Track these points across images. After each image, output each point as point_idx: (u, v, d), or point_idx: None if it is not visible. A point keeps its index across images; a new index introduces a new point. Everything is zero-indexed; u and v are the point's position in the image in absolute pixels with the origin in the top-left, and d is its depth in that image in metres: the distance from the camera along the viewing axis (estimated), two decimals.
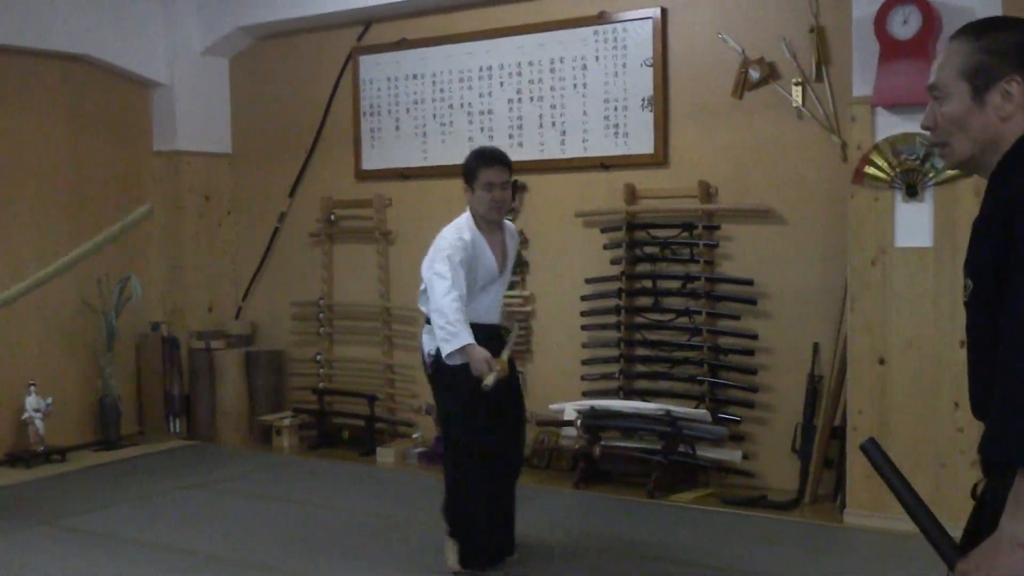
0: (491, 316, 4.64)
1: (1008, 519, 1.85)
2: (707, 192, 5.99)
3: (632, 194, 6.22)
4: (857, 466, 5.20)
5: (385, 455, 6.79)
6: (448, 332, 4.23)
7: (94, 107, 7.40)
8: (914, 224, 5.03)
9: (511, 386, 4.54)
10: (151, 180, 7.74)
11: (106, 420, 7.23)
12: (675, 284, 6.08)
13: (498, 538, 4.60)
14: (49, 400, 6.71)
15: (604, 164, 6.29)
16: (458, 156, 6.74)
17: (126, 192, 7.57)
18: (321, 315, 7.47)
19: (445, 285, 4.27)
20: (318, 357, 7.46)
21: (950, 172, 4.89)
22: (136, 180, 7.67)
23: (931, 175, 4.95)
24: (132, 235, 7.51)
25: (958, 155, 2.07)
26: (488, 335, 4.46)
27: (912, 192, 5.00)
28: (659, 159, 6.16)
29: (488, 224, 4.56)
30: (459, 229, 4.47)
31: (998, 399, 1.84)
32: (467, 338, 4.21)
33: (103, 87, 7.43)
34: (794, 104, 5.70)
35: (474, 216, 4.54)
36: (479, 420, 4.41)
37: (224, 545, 5.11)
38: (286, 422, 7.31)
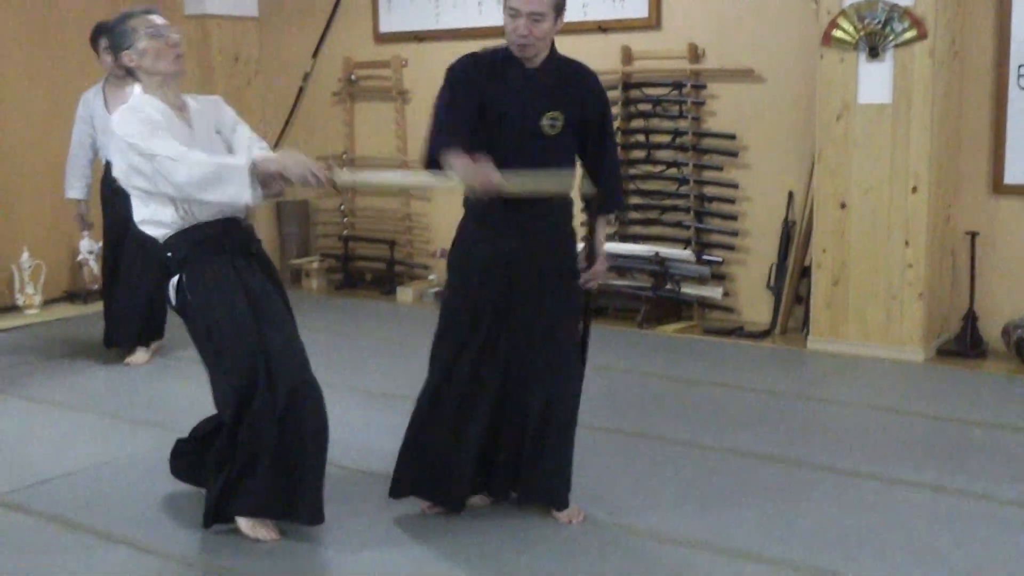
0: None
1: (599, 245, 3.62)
2: (695, 53, 6.54)
3: (628, 56, 6.77)
4: (820, 299, 5.89)
5: (404, 294, 7.54)
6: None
7: None
8: (875, 82, 5.59)
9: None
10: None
11: None
12: (665, 138, 6.67)
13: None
14: (100, 243, 7.41)
15: (602, 27, 6.82)
16: (468, 20, 7.35)
17: None
18: (345, 168, 8.11)
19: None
20: (342, 207, 8.14)
21: (908, 35, 5.44)
22: None
23: (891, 38, 5.50)
24: None
25: (539, 57, 3.41)
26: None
27: (874, 53, 5.55)
28: (652, 23, 6.69)
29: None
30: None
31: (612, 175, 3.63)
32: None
33: None
34: None
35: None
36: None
37: None
38: (314, 265, 8.04)
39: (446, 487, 3.65)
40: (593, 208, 3.69)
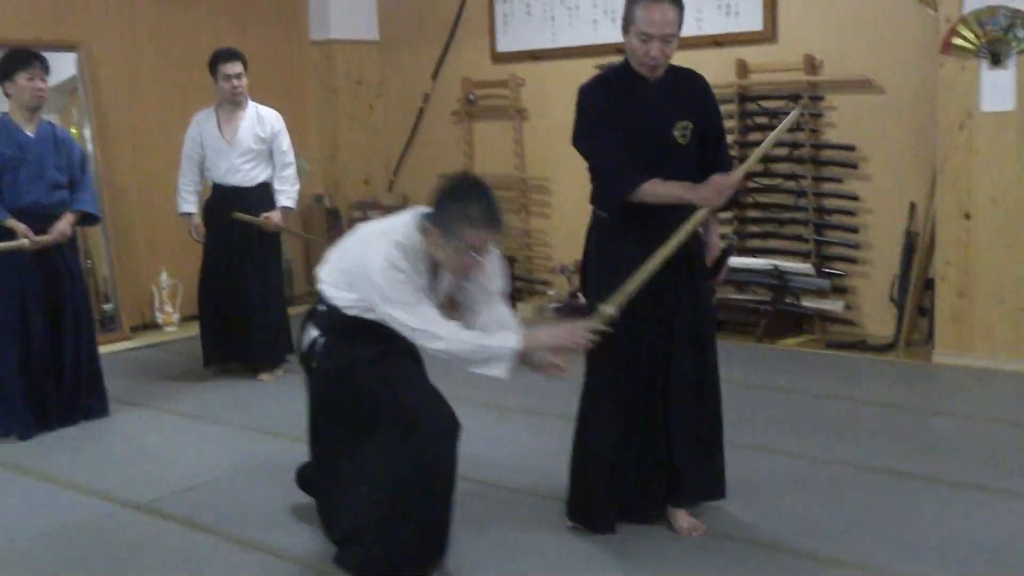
0: None
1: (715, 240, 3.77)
2: (812, 65, 6.52)
3: (743, 68, 6.77)
4: (945, 312, 5.80)
5: (524, 310, 7.65)
6: None
7: (255, 3, 8.24)
8: (998, 90, 5.50)
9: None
10: (308, 67, 8.61)
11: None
12: (783, 151, 6.65)
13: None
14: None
15: (717, 41, 6.85)
16: (582, 38, 7.46)
17: (288, 78, 8.46)
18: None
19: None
20: None
21: None
22: (295, 68, 8.55)
23: (1014, 45, 5.40)
24: (293, 117, 8.42)
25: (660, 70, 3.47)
26: None
27: (996, 60, 5.46)
28: (768, 35, 6.69)
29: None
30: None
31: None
32: None
33: None
34: None
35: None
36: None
37: None
38: None
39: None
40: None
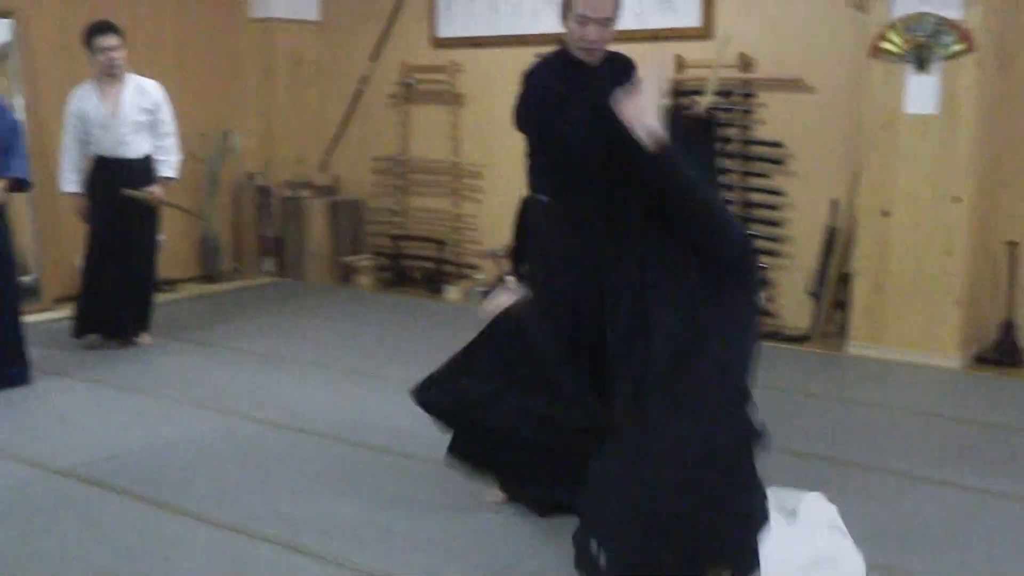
0: None
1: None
2: (746, 63, 6.67)
3: (680, 63, 6.91)
4: (860, 306, 5.99)
5: (452, 292, 7.73)
6: None
7: None
8: (922, 94, 5.69)
9: None
10: (247, 45, 8.57)
11: (208, 257, 8.24)
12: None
13: None
14: (163, 236, 7.67)
15: (655, 36, 6.97)
16: (524, 27, 7.53)
17: (224, 56, 8.42)
18: (398, 169, 8.33)
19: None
20: (394, 206, 8.35)
21: (956, 48, 5.54)
22: (233, 45, 8.51)
23: (938, 51, 5.59)
24: (229, 94, 8.42)
25: (598, 56, 3.54)
26: None
27: (921, 65, 5.65)
28: (704, 32, 6.83)
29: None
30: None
31: None
32: None
33: None
34: None
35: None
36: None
37: (309, 353, 6.13)
38: (365, 263, 8.26)
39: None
40: None
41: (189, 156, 7.96)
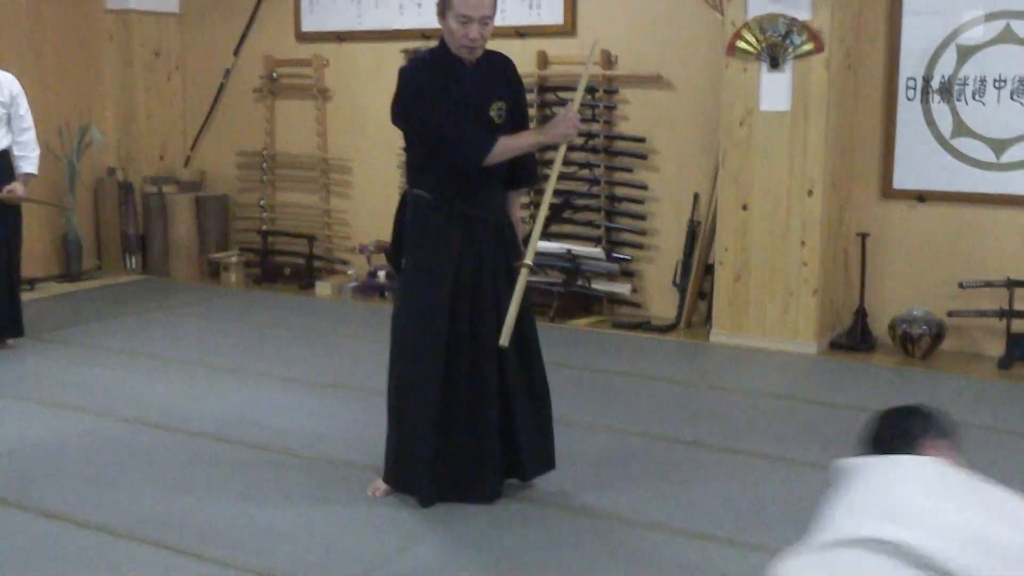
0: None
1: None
2: (608, 60, 6.84)
3: (544, 60, 7.04)
4: (722, 296, 6.23)
5: (323, 288, 7.71)
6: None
7: None
8: (775, 91, 5.94)
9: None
10: (104, 37, 8.36)
11: (69, 255, 8.03)
12: (579, 140, 6.94)
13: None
14: None
15: (520, 32, 7.09)
16: (389, 22, 7.56)
17: (81, 48, 8.21)
18: (264, 164, 8.25)
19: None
20: (261, 202, 8.27)
21: (806, 48, 5.80)
22: (90, 37, 8.29)
23: (790, 50, 5.85)
24: (87, 87, 8.22)
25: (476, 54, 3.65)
26: None
27: (775, 64, 5.90)
28: (567, 29, 6.98)
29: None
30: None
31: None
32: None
33: None
34: None
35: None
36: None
37: (179, 351, 6.06)
38: (233, 259, 8.16)
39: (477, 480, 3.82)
40: (512, 184, 3.93)
41: (47, 151, 7.77)
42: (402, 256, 3.84)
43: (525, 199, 6.68)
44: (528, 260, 3.60)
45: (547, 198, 3.73)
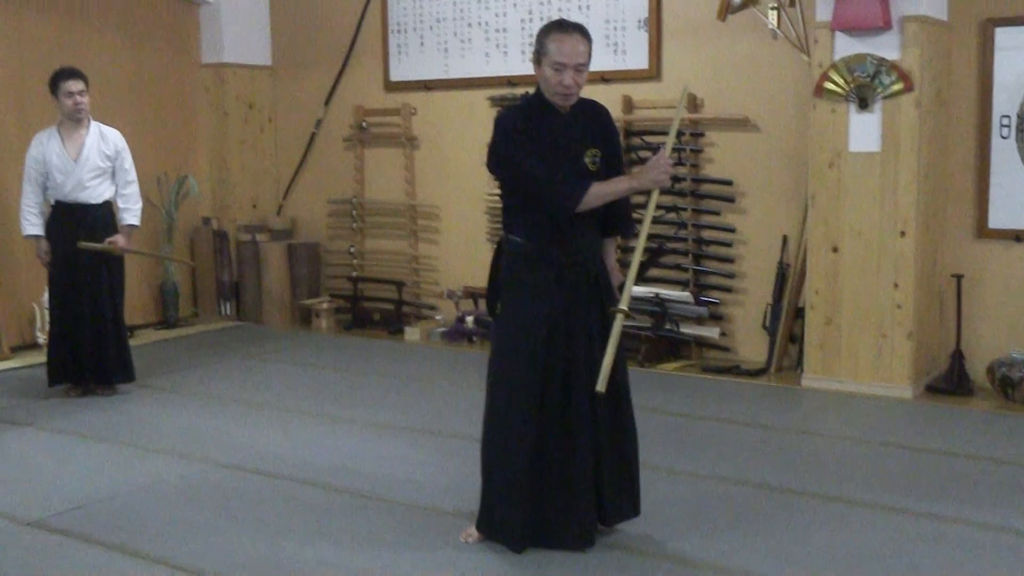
0: None
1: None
2: (694, 103, 6.85)
3: (629, 104, 7.07)
4: (813, 339, 6.15)
5: (412, 334, 7.79)
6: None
7: (147, 24, 8.24)
8: (864, 132, 5.88)
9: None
10: (200, 90, 8.62)
11: (167, 303, 8.25)
12: (667, 184, 6.94)
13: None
14: None
15: (604, 78, 7.13)
16: (475, 70, 7.68)
17: (178, 101, 8.48)
18: (354, 212, 8.40)
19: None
20: (351, 249, 8.42)
21: (895, 88, 5.74)
22: (186, 89, 8.56)
23: (879, 90, 5.80)
24: (183, 139, 8.47)
25: (570, 101, 3.68)
26: None
27: (863, 104, 5.85)
28: (652, 73, 7.01)
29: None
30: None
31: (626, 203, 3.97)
32: None
33: (154, 4, 8.26)
34: (770, 26, 6.44)
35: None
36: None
37: (273, 397, 6.16)
38: (324, 306, 8.29)
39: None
40: (608, 231, 3.95)
41: (146, 202, 8.01)
42: (497, 301, 3.87)
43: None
44: (623, 305, 3.60)
45: (641, 243, 3.73)
